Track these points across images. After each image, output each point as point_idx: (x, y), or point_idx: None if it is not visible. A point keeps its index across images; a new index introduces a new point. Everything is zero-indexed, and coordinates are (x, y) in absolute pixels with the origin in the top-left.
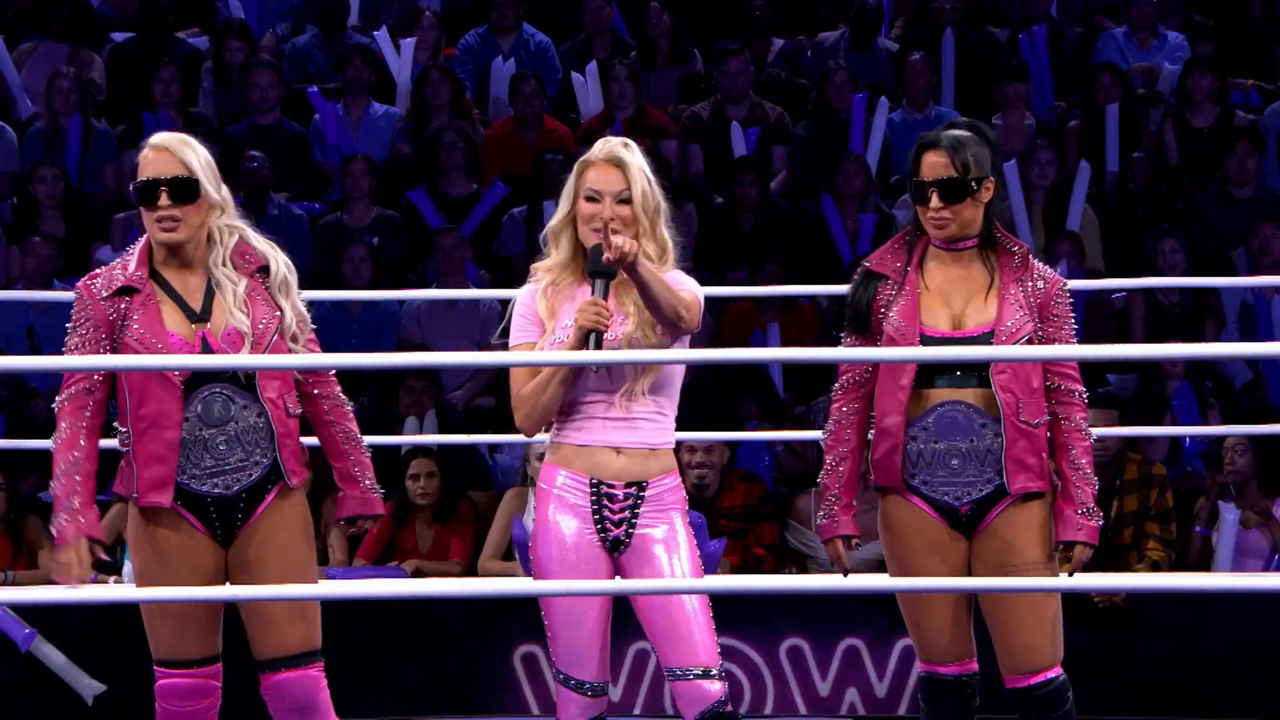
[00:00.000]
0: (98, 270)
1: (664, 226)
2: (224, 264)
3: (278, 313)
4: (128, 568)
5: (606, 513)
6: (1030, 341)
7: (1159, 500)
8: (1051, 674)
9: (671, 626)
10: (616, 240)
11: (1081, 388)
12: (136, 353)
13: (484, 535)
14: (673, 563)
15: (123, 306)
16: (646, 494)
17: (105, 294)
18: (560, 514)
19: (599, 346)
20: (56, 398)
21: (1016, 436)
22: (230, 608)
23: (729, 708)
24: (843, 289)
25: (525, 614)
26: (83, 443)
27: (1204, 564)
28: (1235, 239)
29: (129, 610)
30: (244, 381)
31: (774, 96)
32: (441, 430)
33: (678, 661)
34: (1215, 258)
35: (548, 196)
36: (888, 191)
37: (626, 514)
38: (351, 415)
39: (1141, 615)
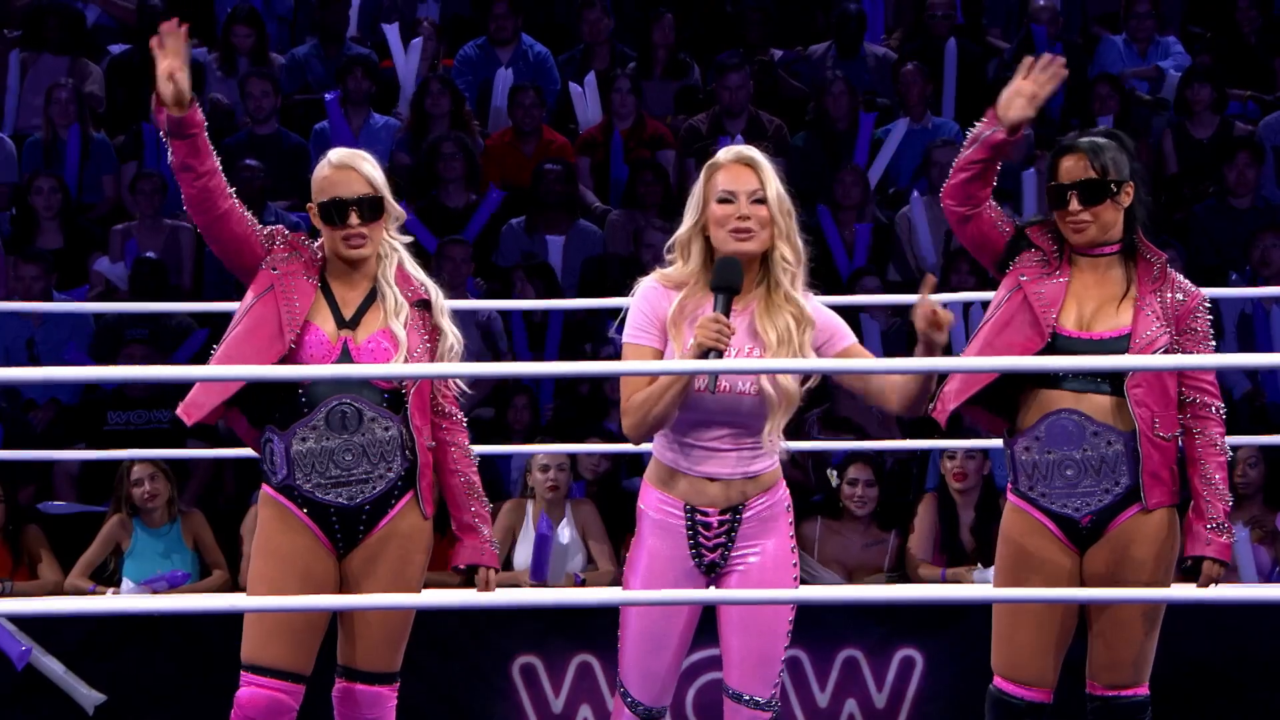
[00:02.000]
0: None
1: (797, 233)
2: (389, 277)
3: (429, 344)
4: (127, 583)
5: (701, 539)
6: (1167, 354)
7: None
8: (1129, 693)
9: (745, 653)
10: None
11: (1219, 402)
12: (272, 306)
13: None
14: (764, 585)
15: (284, 261)
16: (744, 516)
17: (282, 240)
18: (656, 539)
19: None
20: None
21: (1152, 451)
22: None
23: None
24: (841, 299)
25: (524, 625)
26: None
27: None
28: (1234, 249)
29: (128, 621)
30: (379, 396)
31: (772, 107)
32: None
33: (739, 686)
34: (1215, 268)
35: (546, 207)
36: (885, 202)
37: (723, 539)
38: (475, 467)
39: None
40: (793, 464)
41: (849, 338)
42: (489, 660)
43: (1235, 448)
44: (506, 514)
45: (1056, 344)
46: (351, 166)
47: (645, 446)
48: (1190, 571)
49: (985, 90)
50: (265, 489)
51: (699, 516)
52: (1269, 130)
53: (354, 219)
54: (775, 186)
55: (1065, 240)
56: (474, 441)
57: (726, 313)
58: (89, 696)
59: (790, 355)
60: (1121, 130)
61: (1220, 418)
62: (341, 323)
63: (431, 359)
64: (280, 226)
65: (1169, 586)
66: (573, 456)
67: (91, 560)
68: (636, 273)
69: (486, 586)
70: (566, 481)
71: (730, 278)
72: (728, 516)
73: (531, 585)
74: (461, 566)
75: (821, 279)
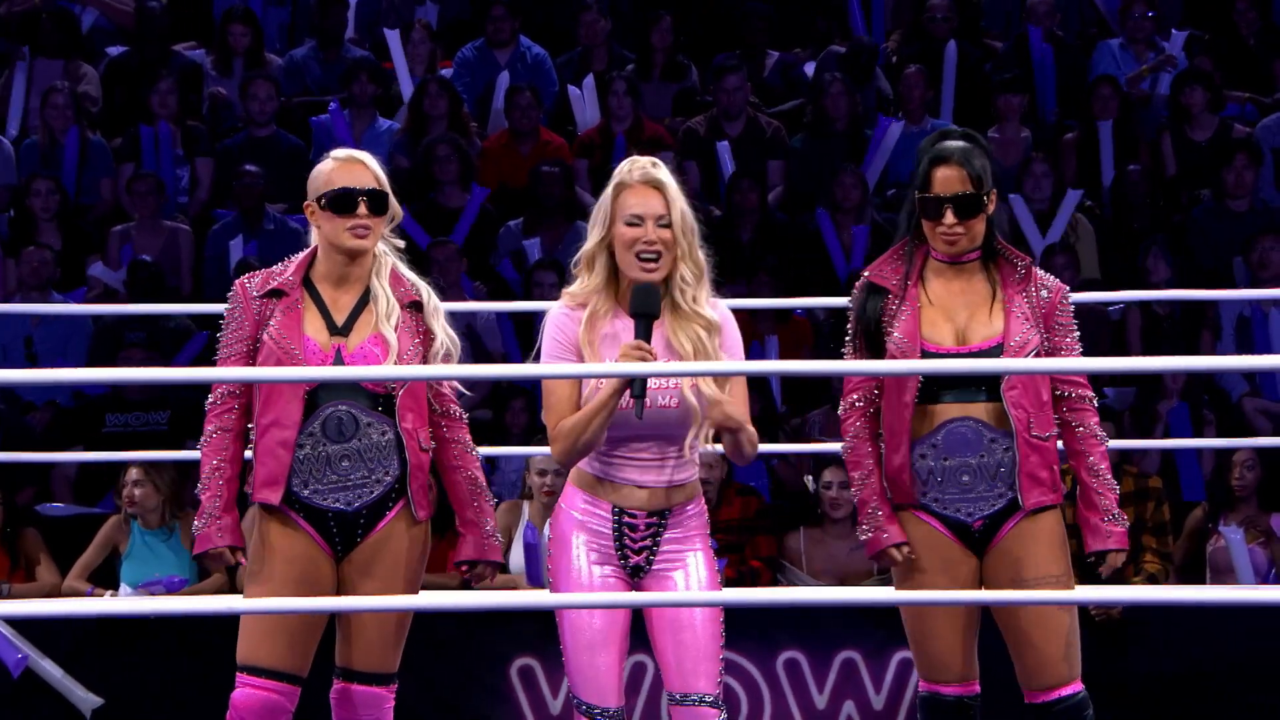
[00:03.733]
0: (257, 270)
1: (698, 247)
2: (383, 280)
3: (420, 345)
4: (124, 588)
5: (628, 541)
6: (1038, 354)
7: (1155, 513)
8: (1069, 690)
9: (680, 652)
10: (720, 415)
11: (1091, 393)
12: (271, 353)
13: None
14: (690, 589)
15: (269, 308)
16: (669, 521)
17: (257, 293)
18: (580, 538)
19: (643, 392)
20: (207, 399)
21: (1029, 452)
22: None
23: None
24: (839, 301)
25: (522, 627)
26: (227, 447)
27: (1198, 572)
28: (1232, 251)
29: (125, 624)
30: (372, 401)
31: (770, 109)
32: None
33: (681, 687)
34: (1213, 270)
35: (543, 208)
36: (884, 205)
37: (648, 542)
38: (479, 463)
39: (1139, 629)
40: (788, 466)
41: (730, 349)
42: (487, 662)
43: (1232, 450)
44: (503, 515)
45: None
46: (360, 161)
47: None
48: (1095, 566)
49: (983, 93)
50: None
51: (626, 518)
52: (1267, 132)
53: (363, 209)
54: (680, 208)
55: (914, 253)
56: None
57: (648, 338)
58: (86, 699)
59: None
60: (1120, 132)
61: (1094, 408)
62: (334, 329)
63: (424, 361)
64: (239, 284)
65: (1070, 575)
66: None
67: (89, 562)
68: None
69: (484, 582)
70: (563, 486)
71: (649, 304)
72: (654, 520)
73: (529, 588)
74: (463, 564)
75: (819, 282)
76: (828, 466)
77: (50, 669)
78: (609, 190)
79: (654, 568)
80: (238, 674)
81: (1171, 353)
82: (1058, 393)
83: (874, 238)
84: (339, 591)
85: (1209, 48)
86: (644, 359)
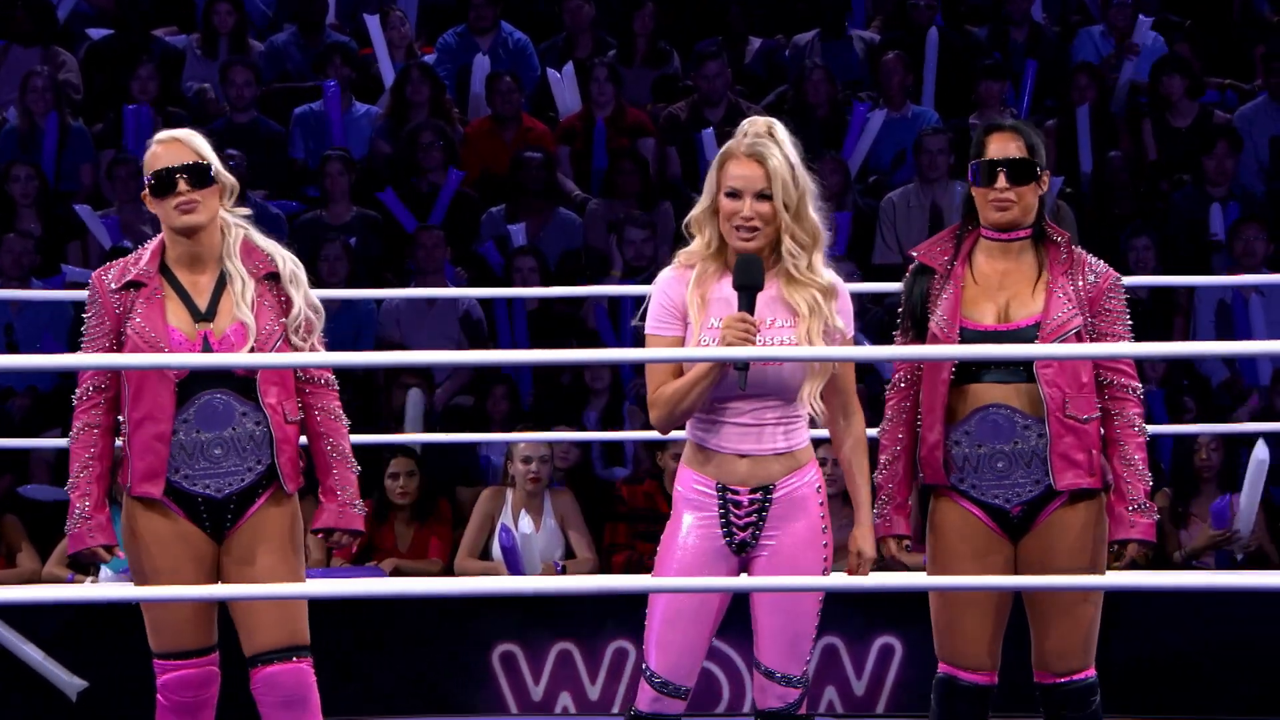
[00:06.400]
0: (113, 262)
1: (813, 210)
2: (234, 257)
3: (283, 319)
4: (105, 571)
5: (733, 518)
6: (1079, 336)
7: None
8: (1080, 676)
9: (775, 632)
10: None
11: (1136, 383)
12: (137, 346)
13: (462, 534)
14: (794, 567)
15: (129, 300)
16: (774, 496)
17: (115, 286)
18: (689, 517)
19: (747, 365)
20: (74, 394)
21: (1062, 432)
22: (221, 605)
23: (802, 710)
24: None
25: (503, 613)
26: (95, 443)
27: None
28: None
29: (107, 608)
30: (246, 387)
31: (752, 96)
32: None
33: (772, 664)
34: (1191, 257)
35: (526, 194)
36: (866, 191)
37: (753, 519)
38: (345, 431)
39: (1118, 613)
40: None
41: (844, 313)
42: (468, 648)
43: (1196, 435)
44: (485, 502)
45: (968, 340)
46: (177, 139)
47: (637, 435)
48: (1116, 554)
49: (965, 79)
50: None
51: (730, 495)
52: (1245, 120)
53: (182, 185)
54: (782, 179)
55: (964, 235)
56: (453, 429)
57: (751, 311)
58: (71, 683)
59: (821, 322)
60: (1099, 119)
61: (1138, 398)
62: (198, 315)
63: (284, 333)
64: (95, 277)
65: (1103, 569)
66: (553, 447)
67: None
68: (610, 266)
69: (340, 549)
70: (548, 474)
71: (753, 276)
72: (758, 496)
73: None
74: (319, 531)
75: None
76: (818, 446)
77: (32, 654)
78: (718, 156)
79: (760, 543)
80: (159, 661)
81: (1148, 338)
82: (1101, 379)
83: (856, 224)
84: (220, 577)
85: (1188, 35)
86: (747, 331)
